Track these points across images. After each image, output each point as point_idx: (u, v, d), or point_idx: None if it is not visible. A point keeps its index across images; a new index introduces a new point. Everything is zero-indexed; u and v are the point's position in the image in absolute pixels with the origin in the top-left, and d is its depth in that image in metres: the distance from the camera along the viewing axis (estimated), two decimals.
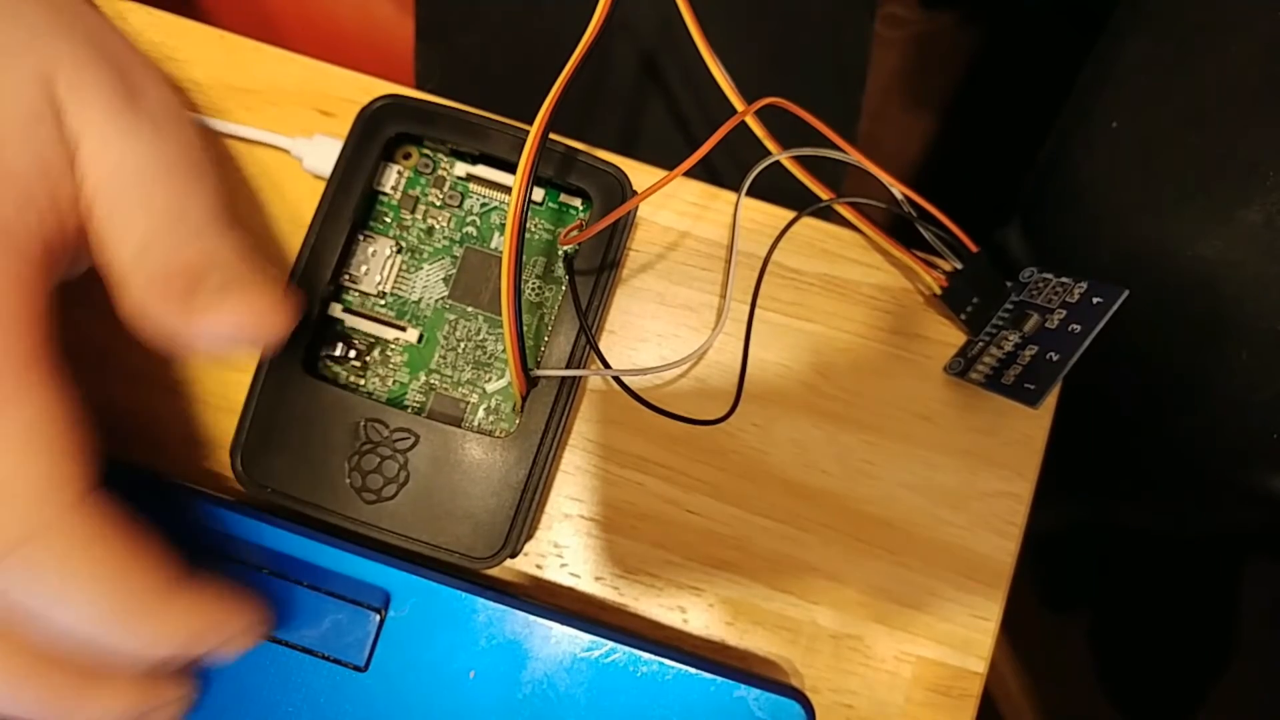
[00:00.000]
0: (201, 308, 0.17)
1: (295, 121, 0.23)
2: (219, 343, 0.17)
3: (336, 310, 0.22)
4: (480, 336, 0.22)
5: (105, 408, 0.22)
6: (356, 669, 0.19)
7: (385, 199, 0.22)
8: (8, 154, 0.17)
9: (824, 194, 0.22)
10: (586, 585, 0.22)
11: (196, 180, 0.19)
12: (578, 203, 0.22)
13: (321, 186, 0.21)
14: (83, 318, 0.22)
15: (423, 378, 0.22)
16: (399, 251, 0.22)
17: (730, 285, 0.23)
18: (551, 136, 0.20)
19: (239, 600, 0.17)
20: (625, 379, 0.22)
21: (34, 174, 0.17)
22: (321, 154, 0.22)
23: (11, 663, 0.16)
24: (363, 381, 0.22)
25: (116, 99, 0.18)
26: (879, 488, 0.22)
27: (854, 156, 0.22)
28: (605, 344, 0.23)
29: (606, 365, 0.22)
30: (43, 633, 0.16)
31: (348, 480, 0.20)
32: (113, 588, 0.15)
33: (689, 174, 0.20)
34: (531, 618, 0.19)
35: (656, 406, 0.21)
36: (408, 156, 0.22)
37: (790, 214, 0.23)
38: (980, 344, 0.22)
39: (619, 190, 0.21)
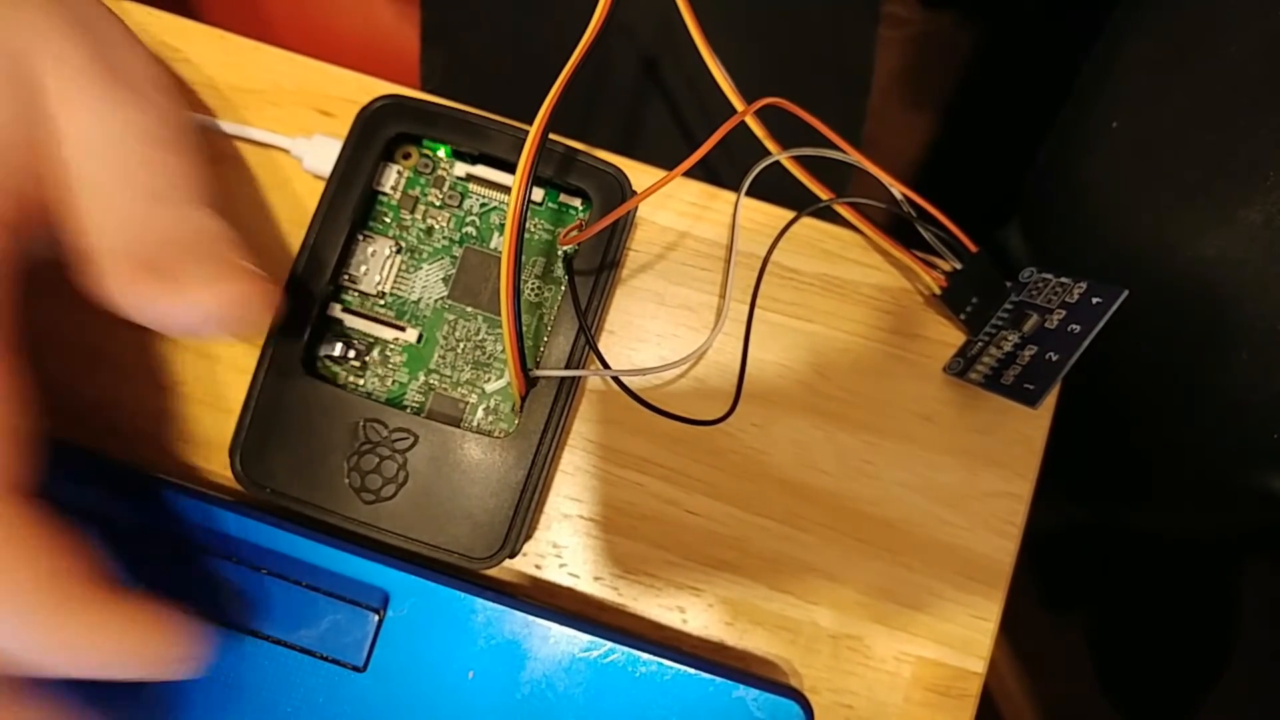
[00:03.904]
0: (182, 285, 0.16)
1: (295, 121, 0.23)
2: (198, 324, 0.16)
3: (336, 310, 0.22)
4: (479, 336, 0.22)
5: (104, 408, 0.22)
6: (355, 669, 0.19)
7: (385, 199, 0.22)
8: None
9: (823, 194, 0.22)
10: (585, 585, 0.22)
11: (178, 154, 0.18)
12: (577, 203, 0.22)
13: (321, 186, 0.21)
14: (80, 319, 0.22)
15: (422, 378, 0.22)
16: (398, 251, 0.22)
17: (730, 285, 0.23)
18: (551, 136, 0.20)
19: (177, 627, 0.16)
20: (624, 379, 0.22)
21: (7, 138, 0.16)
22: (321, 154, 0.22)
23: None
24: (362, 381, 0.22)
25: (95, 68, 0.17)
26: (878, 488, 0.22)
27: (853, 156, 0.22)
28: (604, 344, 0.23)
29: (606, 365, 0.22)
30: None
31: (346, 480, 0.20)
32: (28, 590, 0.14)
33: (689, 174, 0.20)
34: (530, 618, 0.19)
35: (656, 407, 0.21)
36: (407, 156, 0.22)
37: (790, 214, 0.23)
38: (980, 344, 0.22)
39: (618, 190, 0.21)
